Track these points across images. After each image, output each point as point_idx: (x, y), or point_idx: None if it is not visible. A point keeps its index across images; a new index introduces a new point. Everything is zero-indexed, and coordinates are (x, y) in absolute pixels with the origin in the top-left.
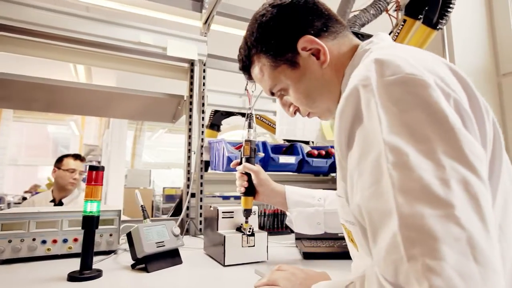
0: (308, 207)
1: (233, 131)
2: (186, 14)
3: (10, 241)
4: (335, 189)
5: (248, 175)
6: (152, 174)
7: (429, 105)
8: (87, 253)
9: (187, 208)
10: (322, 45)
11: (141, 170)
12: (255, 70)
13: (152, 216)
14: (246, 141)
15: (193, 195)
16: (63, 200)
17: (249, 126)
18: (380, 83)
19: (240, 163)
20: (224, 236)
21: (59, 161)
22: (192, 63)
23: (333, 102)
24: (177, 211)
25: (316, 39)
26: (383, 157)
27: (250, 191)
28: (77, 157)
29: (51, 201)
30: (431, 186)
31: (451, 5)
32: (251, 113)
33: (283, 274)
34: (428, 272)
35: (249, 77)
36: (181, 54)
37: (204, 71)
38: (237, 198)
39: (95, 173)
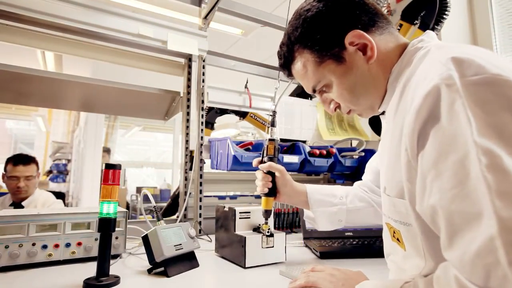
0: (330, 206)
1: (224, 129)
2: (184, 10)
3: (7, 247)
4: None
5: (272, 175)
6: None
7: None
8: (104, 258)
9: (185, 208)
10: (370, 40)
11: None
12: (297, 66)
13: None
14: (269, 140)
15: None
16: (22, 203)
17: (272, 125)
18: (463, 83)
19: (261, 162)
20: (245, 237)
21: (5, 165)
22: (189, 58)
23: (377, 99)
24: (168, 212)
25: (365, 34)
26: (473, 159)
27: (273, 191)
28: (19, 161)
29: (10, 205)
30: None
31: (447, 11)
32: (274, 111)
33: (321, 275)
34: None
35: (289, 73)
36: (182, 49)
37: (203, 67)
38: (232, 198)
39: (112, 172)
